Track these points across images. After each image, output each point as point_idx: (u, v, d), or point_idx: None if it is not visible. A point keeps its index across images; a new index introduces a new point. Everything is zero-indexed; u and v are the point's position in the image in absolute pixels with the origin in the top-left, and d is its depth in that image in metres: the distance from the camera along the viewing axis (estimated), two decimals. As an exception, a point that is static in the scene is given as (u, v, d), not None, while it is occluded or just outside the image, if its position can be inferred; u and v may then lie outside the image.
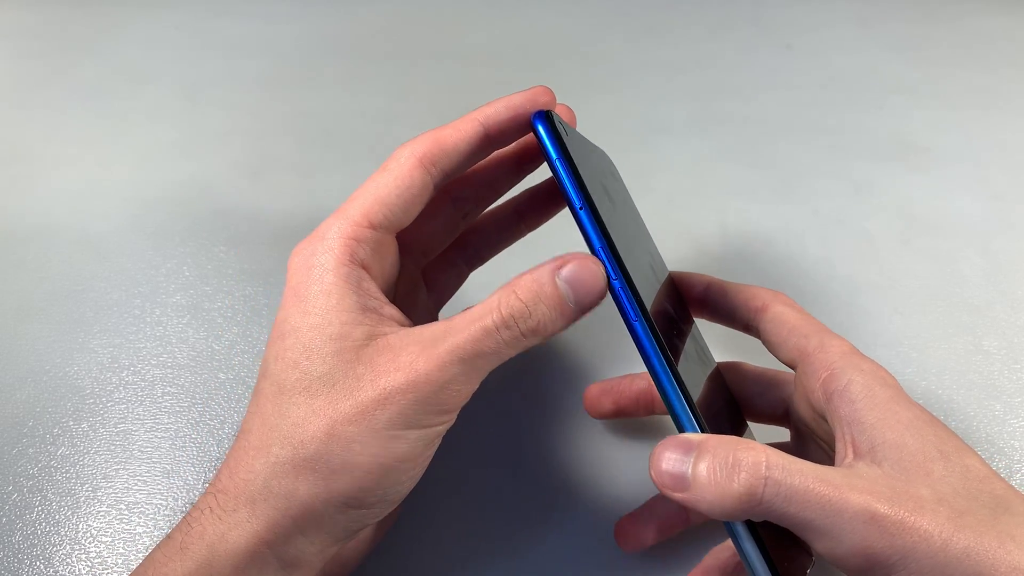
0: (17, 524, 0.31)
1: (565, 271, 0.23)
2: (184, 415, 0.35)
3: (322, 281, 0.24)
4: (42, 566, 0.30)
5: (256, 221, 0.44)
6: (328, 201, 0.46)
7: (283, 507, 0.22)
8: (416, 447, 0.22)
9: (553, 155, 0.24)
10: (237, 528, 0.22)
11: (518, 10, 0.61)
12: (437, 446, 0.24)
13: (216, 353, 0.38)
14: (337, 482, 0.21)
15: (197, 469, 0.33)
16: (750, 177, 0.47)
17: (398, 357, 0.22)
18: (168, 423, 0.35)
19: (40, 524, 0.31)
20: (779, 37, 0.59)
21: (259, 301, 0.40)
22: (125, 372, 0.37)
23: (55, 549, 0.31)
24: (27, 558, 0.30)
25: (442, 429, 0.23)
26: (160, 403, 0.36)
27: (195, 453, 0.34)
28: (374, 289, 0.24)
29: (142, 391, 0.36)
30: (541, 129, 0.24)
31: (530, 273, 0.23)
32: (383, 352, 0.22)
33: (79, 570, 0.30)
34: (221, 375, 0.37)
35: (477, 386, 0.23)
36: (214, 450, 0.34)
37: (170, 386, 0.36)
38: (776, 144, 0.49)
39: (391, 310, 0.24)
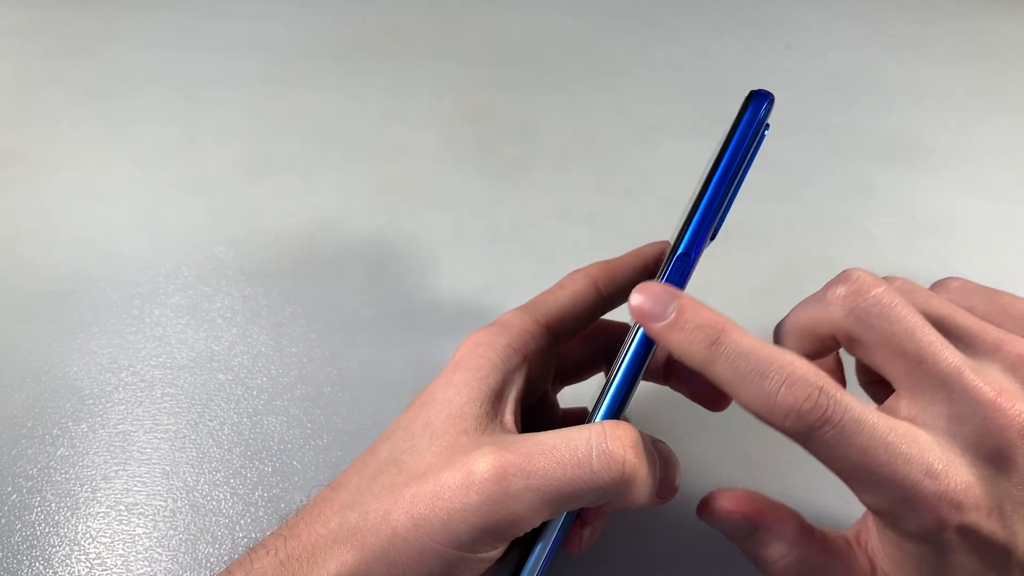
0: (16, 525, 0.31)
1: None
2: (183, 416, 0.35)
3: (480, 367, 0.24)
4: (41, 567, 0.30)
5: (256, 221, 0.44)
6: (328, 201, 0.46)
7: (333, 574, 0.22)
8: (447, 567, 0.22)
9: (740, 136, 0.25)
10: None
11: (518, 10, 0.61)
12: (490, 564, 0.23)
13: (215, 354, 0.38)
14: (372, 568, 0.21)
15: (196, 470, 0.33)
16: (751, 177, 0.47)
17: (469, 456, 0.22)
18: (167, 424, 0.35)
19: (39, 525, 0.31)
20: (779, 36, 0.59)
21: (259, 302, 0.40)
22: (124, 373, 0.37)
23: (54, 550, 0.31)
24: (26, 559, 0.30)
25: (479, 563, 0.22)
26: (159, 404, 0.36)
27: (194, 454, 0.34)
28: (519, 387, 0.25)
29: (141, 392, 0.36)
30: (754, 108, 0.25)
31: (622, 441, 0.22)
32: (476, 462, 0.22)
33: (78, 571, 0.30)
34: (220, 376, 0.37)
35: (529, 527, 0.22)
36: (214, 451, 0.34)
37: (169, 387, 0.36)
38: (776, 144, 0.49)
39: (518, 416, 0.25)
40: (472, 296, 0.40)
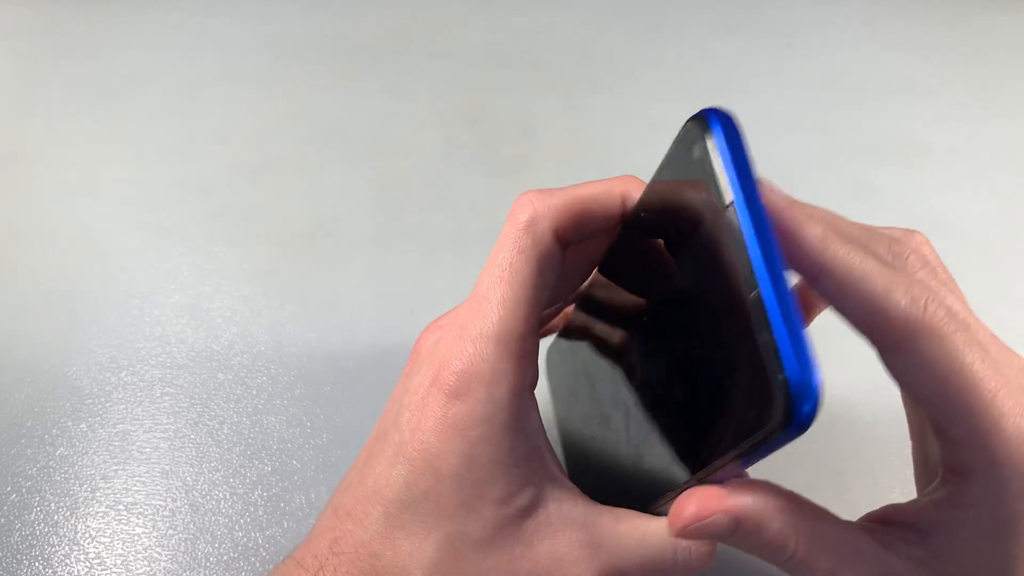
0: (15, 525, 0.31)
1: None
2: (183, 415, 0.35)
3: (491, 422, 0.20)
4: (40, 566, 0.30)
5: (255, 221, 0.44)
6: (328, 201, 0.46)
7: None
8: None
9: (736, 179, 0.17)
10: None
11: (518, 10, 0.61)
12: None
13: (215, 353, 0.38)
14: None
15: (196, 469, 0.33)
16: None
17: (558, 552, 0.20)
18: (167, 423, 0.35)
19: (38, 525, 0.31)
20: (780, 36, 0.59)
21: (258, 301, 0.40)
22: (124, 372, 0.37)
23: (53, 550, 0.31)
24: (25, 559, 0.30)
25: None
26: (159, 403, 0.35)
27: (194, 454, 0.34)
28: (541, 425, 0.22)
29: (141, 391, 0.36)
30: (719, 138, 0.17)
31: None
32: (544, 537, 0.20)
33: (77, 571, 0.30)
34: (220, 375, 0.37)
35: None
36: (213, 450, 0.34)
37: (169, 386, 0.36)
38: (777, 143, 0.49)
39: (553, 455, 0.22)
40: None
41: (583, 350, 0.27)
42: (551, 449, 0.22)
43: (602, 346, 0.25)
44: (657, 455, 0.21)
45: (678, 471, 0.19)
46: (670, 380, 0.20)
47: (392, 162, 0.48)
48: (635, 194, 0.22)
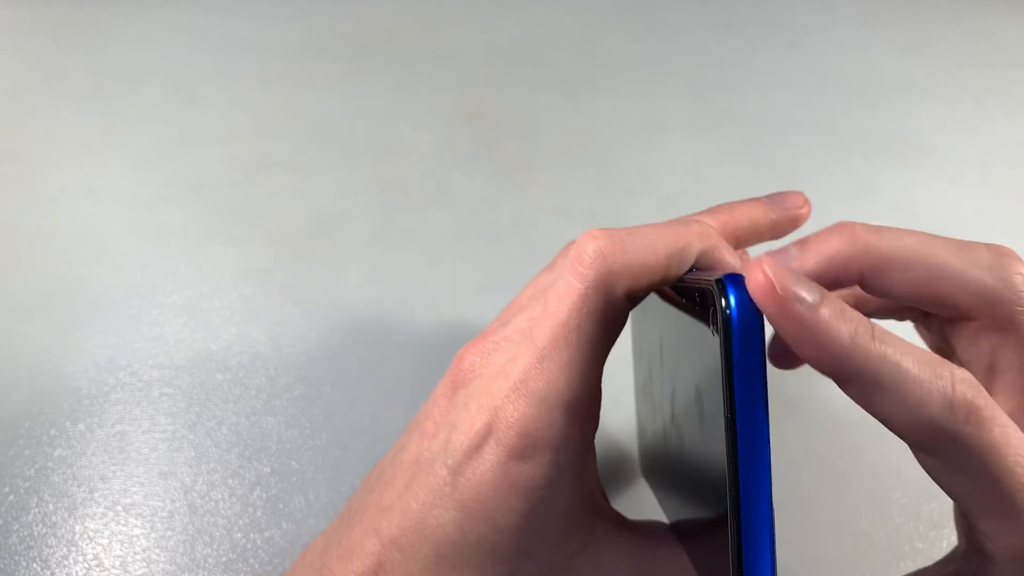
0: (13, 526, 0.31)
1: None
2: (181, 416, 0.35)
3: (551, 474, 0.19)
4: (38, 568, 0.30)
5: (254, 221, 0.44)
6: (327, 200, 0.46)
7: None
8: None
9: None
10: None
11: (518, 10, 0.61)
12: None
13: (214, 354, 0.37)
14: None
15: (195, 470, 0.33)
16: (752, 176, 0.47)
17: None
18: (165, 424, 0.35)
19: (36, 526, 0.31)
20: (780, 36, 0.59)
21: (257, 301, 0.40)
22: (122, 373, 0.37)
23: (51, 551, 0.30)
24: (23, 560, 0.30)
25: None
26: (157, 404, 0.35)
27: (192, 455, 0.33)
28: (595, 469, 0.21)
29: (139, 392, 0.36)
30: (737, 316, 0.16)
31: None
32: (592, 571, 0.20)
33: (75, 572, 0.30)
34: (219, 376, 0.37)
35: None
36: (211, 451, 0.34)
37: (167, 387, 0.36)
38: (777, 143, 0.49)
39: (600, 491, 0.22)
40: (472, 295, 0.40)
41: (663, 319, 0.24)
42: (600, 482, 0.22)
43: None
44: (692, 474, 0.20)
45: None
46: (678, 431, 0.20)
47: (392, 162, 0.48)
48: (705, 245, 0.21)
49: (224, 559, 0.30)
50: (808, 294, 0.17)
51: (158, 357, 0.37)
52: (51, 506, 0.32)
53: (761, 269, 0.16)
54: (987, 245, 0.20)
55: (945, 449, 0.17)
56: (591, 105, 0.52)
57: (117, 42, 0.57)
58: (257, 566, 0.30)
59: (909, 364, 0.17)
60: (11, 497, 0.32)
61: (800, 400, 0.36)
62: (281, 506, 0.32)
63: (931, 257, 0.20)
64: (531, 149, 0.49)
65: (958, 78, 0.55)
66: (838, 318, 0.17)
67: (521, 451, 0.19)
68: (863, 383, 0.17)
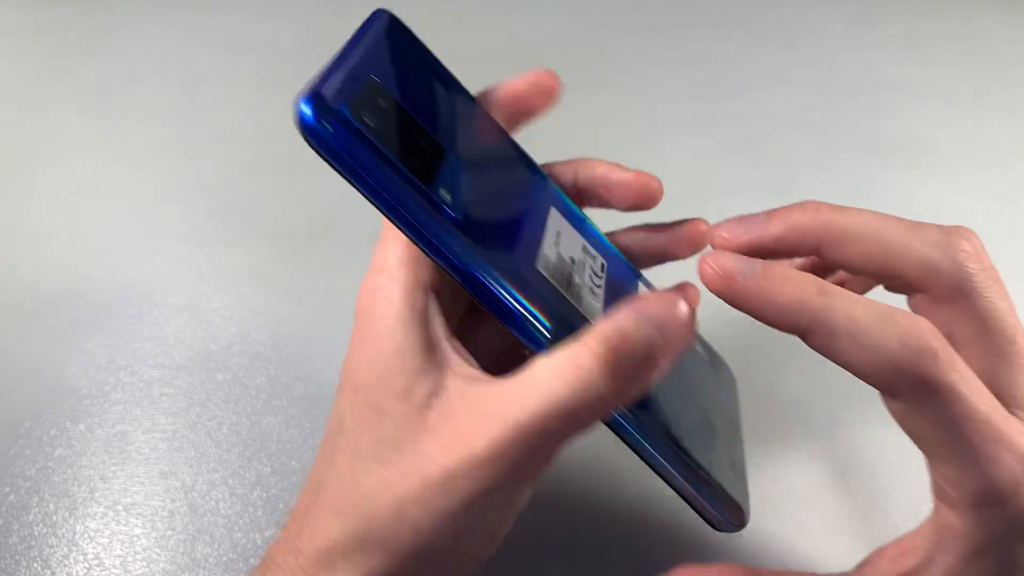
0: (14, 526, 0.31)
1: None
2: (182, 416, 0.35)
3: (386, 318, 0.22)
4: (39, 567, 0.30)
5: (254, 221, 0.44)
6: (327, 200, 0.46)
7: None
8: (485, 531, 0.21)
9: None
10: None
11: (518, 10, 0.61)
12: (511, 523, 0.22)
13: (214, 354, 0.37)
14: (406, 566, 0.20)
15: (195, 470, 0.33)
16: (751, 176, 0.47)
17: (458, 429, 0.20)
18: (166, 424, 0.35)
19: (37, 525, 0.31)
20: (780, 36, 0.59)
21: (257, 301, 0.40)
22: (122, 373, 0.37)
23: (52, 551, 0.30)
24: (24, 559, 0.30)
25: (514, 508, 0.22)
26: (158, 404, 0.35)
27: (193, 454, 0.34)
28: (439, 320, 0.22)
29: (139, 392, 0.36)
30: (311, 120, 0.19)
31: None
32: (445, 420, 0.20)
33: (76, 572, 0.30)
34: (219, 376, 0.37)
35: (555, 460, 0.21)
36: (212, 451, 0.34)
37: (167, 387, 0.36)
38: (777, 143, 0.49)
39: (456, 345, 0.22)
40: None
41: None
42: (453, 337, 0.23)
43: None
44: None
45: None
46: None
47: (391, 162, 0.48)
48: None
49: (224, 559, 0.30)
50: (748, 267, 0.20)
51: (158, 357, 0.37)
52: (52, 506, 0.32)
53: (706, 262, 0.20)
54: (940, 226, 0.21)
55: (905, 389, 0.19)
56: (591, 105, 0.52)
57: (118, 43, 0.57)
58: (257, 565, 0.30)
59: (859, 312, 0.19)
60: (12, 497, 0.32)
61: (800, 400, 0.36)
62: (281, 506, 0.32)
63: (883, 232, 0.21)
64: (530, 149, 0.49)
65: (958, 78, 0.55)
66: (781, 280, 0.19)
67: (362, 309, 0.23)
68: (818, 333, 0.19)
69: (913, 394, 0.18)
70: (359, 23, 0.23)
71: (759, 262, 0.20)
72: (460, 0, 0.61)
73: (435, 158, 0.21)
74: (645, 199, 0.28)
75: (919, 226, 0.21)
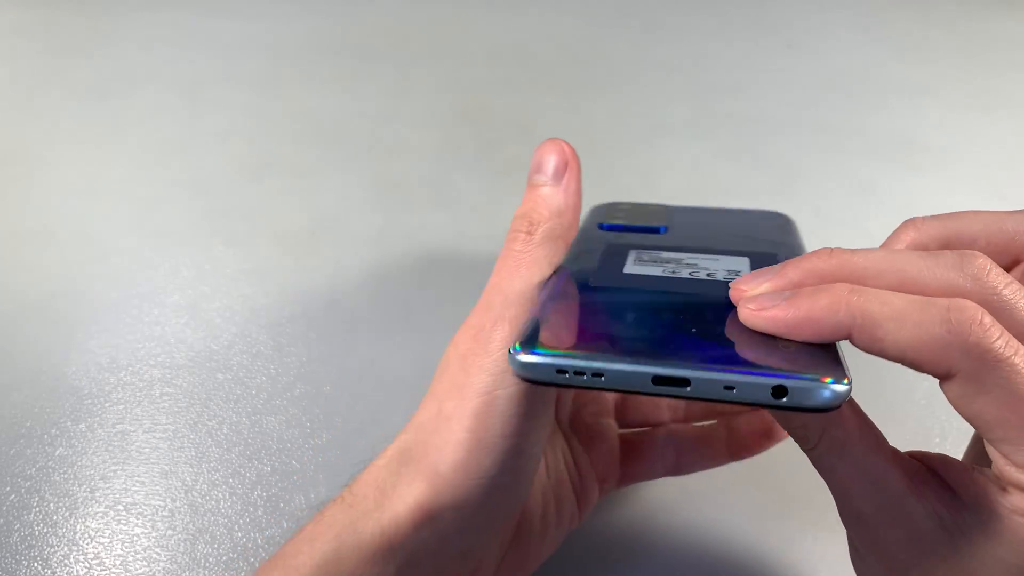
0: (15, 525, 0.31)
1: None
2: (182, 416, 0.35)
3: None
4: (39, 567, 0.30)
5: (254, 221, 0.44)
6: (327, 201, 0.46)
7: (404, 500, 0.22)
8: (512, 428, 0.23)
9: None
10: (365, 517, 0.22)
11: (518, 10, 0.61)
12: (537, 452, 0.24)
13: (214, 353, 0.37)
14: (443, 478, 0.22)
15: (195, 470, 0.33)
16: (751, 177, 0.47)
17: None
18: (166, 423, 0.35)
19: (37, 525, 0.31)
20: (780, 37, 0.59)
21: (257, 301, 0.40)
22: (123, 372, 0.37)
23: (52, 550, 0.30)
24: (24, 559, 0.30)
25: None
26: (158, 403, 0.35)
27: (193, 454, 0.34)
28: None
29: (140, 391, 0.36)
30: None
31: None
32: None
33: (76, 571, 0.30)
34: (219, 375, 0.37)
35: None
36: (212, 450, 0.34)
37: (168, 386, 0.36)
38: (777, 144, 0.49)
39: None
40: (472, 295, 0.40)
41: None
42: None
43: None
44: None
45: None
46: None
47: (392, 162, 0.48)
48: None
49: (225, 558, 0.30)
50: (778, 295, 0.20)
51: (159, 357, 0.37)
52: (52, 505, 0.32)
53: (743, 306, 0.20)
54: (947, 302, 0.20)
55: (960, 365, 0.18)
56: (591, 106, 0.52)
57: (118, 44, 0.57)
58: (258, 565, 0.30)
59: (896, 299, 0.18)
60: (12, 496, 0.32)
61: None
62: (282, 505, 0.32)
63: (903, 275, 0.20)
64: (531, 150, 0.49)
65: (958, 78, 0.55)
66: (812, 293, 0.19)
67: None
68: (863, 327, 0.19)
69: (970, 369, 0.18)
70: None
71: (788, 286, 0.21)
72: (460, 0, 0.61)
73: None
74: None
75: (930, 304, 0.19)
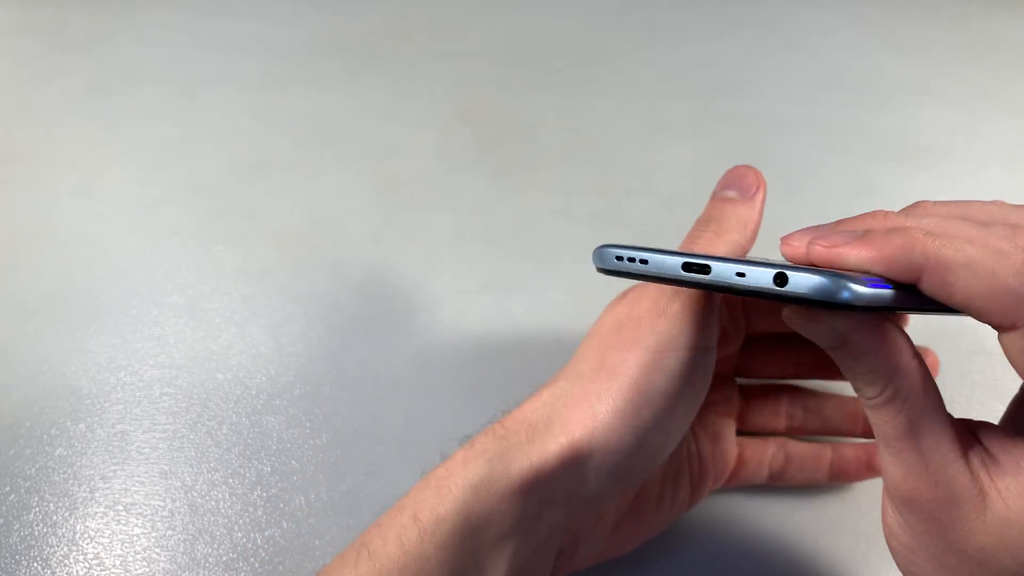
0: (14, 525, 0.31)
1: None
2: (182, 416, 0.35)
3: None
4: (39, 567, 0.30)
5: (254, 221, 0.44)
6: (327, 201, 0.46)
7: (557, 439, 0.23)
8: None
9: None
10: (516, 450, 0.23)
11: (518, 10, 0.61)
12: (697, 398, 0.25)
13: (214, 353, 0.37)
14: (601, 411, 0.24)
15: (195, 470, 0.33)
16: (750, 177, 0.47)
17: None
18: (166, 423, 0.35)
19: (37, 525, 0.31)
20: (780, 36, 0.59)
21: (257, 301, 0.40)
22: (123, 372, 0.37)
23: (52, 550, 0.30)
24: (24, 559, 0.30)
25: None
26: (158, 403, 0.35)
27: (193, 454, 0.34)
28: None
29: (140, 391, 0.36)
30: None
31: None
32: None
33: (76, 571, 0.30)
34: (219, 375, 0.37)
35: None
36: (212, 450, 0.34)
37: (168, 386, 0.36)
38: (777, 144, 0.49)
39: None
40: (472, 296, 0.40)
41: None
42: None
43: None
44: None
45: None
46: None
47: (392, 162, 0.48)
48: None
49: (225, 558, 0.30)
50: (851, 233, 0.20)
51: (159, 357, 0.37)
52: (52, 505, 0.32)
53: (815, 243, 0.20)
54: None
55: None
56: (591, 105, 0.52)
57: (117, 43, 0.57)
58: (258, 565, 0.30)
59: (971, 246, 0.18)
60: (12, 496, 0.32)
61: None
62: (282, 505, 0.32)
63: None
64: (531, 150, 0.49)
65: (958, 78, 0.55)
66: (885, 233, 0.19)
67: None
68: (934, 271, 0.18)
69: None
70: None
71: (862, 226, 0.21)
72: (460, 1, 0.61)
73: None
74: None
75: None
